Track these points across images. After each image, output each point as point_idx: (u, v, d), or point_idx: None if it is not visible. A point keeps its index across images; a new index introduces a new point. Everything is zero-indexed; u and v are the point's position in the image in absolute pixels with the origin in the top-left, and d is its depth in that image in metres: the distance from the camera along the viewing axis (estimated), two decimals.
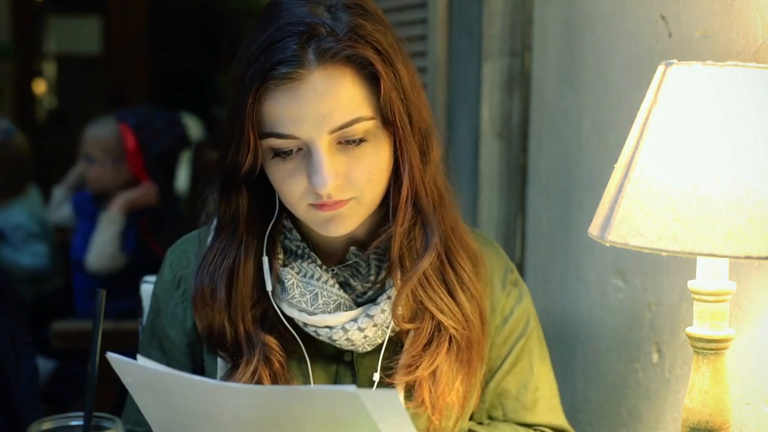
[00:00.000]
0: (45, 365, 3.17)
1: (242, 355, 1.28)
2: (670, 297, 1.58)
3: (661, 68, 1.24)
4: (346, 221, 1.25)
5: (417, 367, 1.28)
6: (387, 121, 1.22)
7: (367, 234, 1.33)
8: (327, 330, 1.28)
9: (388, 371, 1.30)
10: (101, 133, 3.28)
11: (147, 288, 1.55)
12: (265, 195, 1.30)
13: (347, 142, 1.20)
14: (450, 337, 1.30)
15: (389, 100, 1.21)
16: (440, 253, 1.31)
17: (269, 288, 1.29)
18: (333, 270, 1.32)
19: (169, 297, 1.38)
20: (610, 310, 1.76)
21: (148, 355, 1.38)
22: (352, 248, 1.32)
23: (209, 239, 1.35)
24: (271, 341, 1.29)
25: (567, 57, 1.89)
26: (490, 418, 1.41)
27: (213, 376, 1.33)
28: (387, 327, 1.29)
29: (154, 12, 6.75)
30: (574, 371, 1.87)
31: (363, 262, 1.31)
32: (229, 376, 1.29)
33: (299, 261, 1.32)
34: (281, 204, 1.30)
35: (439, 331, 1.30)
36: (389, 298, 1.29)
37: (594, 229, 1.25)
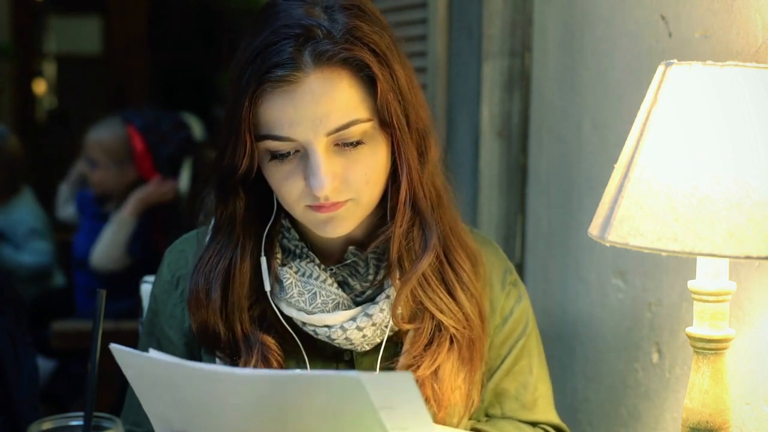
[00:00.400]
0: (45, 365, 3.17)
1: (240, 355, 1.28)
2: (670, 297, 1.58)
3: (661, 68, 1.24)
4: (343, 222, 1.25)
5: (419, 367, 1.28)
6: (384, 122, 1.22)
7: (365, 234, 1.33)
8: (325, 329, 1.28)
9: (387, 371, 1.30)
10: (104, 136, 3.27)
11: (147, 288, 1.55)
12: (262, 196, 1.31)
13: (344, 144, 1.21)
14: (451, 337, 1.31)
15: (386, 101, 1.21)
16: (439, 253, 1.31)
17: (268, 288, 1.29)
18: (331, 269, 1.32)
19: (168, 297, 1.38)
20: (610, 310, 1.76)
21: None
22: (351, 248, 1.32)
23: (207, 239, 1.35)
24: (270, 341, 1.29)
25: (567, 57, 1.89)
26: (487, 415, 1.41)
27: None
28: (386, 326, 1.29)
29: (154, 12, 6.75)
30: (574, 371, 1.87)
31: (361, 262, 1.31)
32: None
33: (298, 260, 1.32)
34: (279, 204, 1.30)
35: (440, 330, 1.31)
36: (388, 297, 1.29)
37: (594, 229, 1.25)
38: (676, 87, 1.19)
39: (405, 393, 0.98)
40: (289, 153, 1.21)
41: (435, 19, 2.35)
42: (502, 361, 1.39)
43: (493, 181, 2.14)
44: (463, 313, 1.31)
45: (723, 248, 1.11)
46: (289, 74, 1.17)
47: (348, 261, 1.32)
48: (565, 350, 1.90)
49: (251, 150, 1.21)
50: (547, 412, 1.43)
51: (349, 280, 1.31)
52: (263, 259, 1.30)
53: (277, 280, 1.30)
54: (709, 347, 1.24)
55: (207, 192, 1.35)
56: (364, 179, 1.22)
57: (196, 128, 4.78)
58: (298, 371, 1.12)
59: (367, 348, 1.30)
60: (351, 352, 1.32)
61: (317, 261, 1.32)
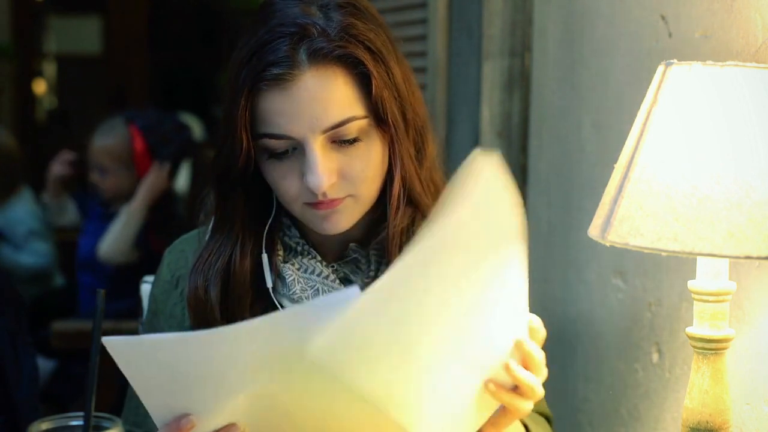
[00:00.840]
0: (45, 365, 3.16)
1: None
2: (670, 297, 1.58)
3: (661, 68, 1.24)
4: (342, 219, 1.25)
5: None
6: (380, 119, 1.23)
7: (365, 231, 1.33)
8: None
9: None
10: (110, 142, 3.25)
11: (147, 288, 1.55)
12: (261, 194, 1.31)
13: (341, 141, 1.21)
14: None
15: (381, 98, 1.21)
16: None
17: (270, 284, 1.29)
18: (333, 266, 1.32)
19: (167, 297, 1.38)
20: (610, 310, 1.76)
21: None
22: (352, 244, 1.32)
23: (207, 238, 1.35)
24: None
25: (567, 57, 1.89)
26: None
27: None
28: None
29: (154, 12, 6.75)
30: (575, 371, 1.87)
31: (363, 258, 1.31)
32: None
33: (299, 257, 1.32)
34: (279, 202, 1.30)
35: None
36: None
37: (594, 229, 1.25)
38: (676, 87, 1.19)
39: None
40: (286, 151, 1.22)
41: (435, 19, 2.35)
42: None
43: None
44: None
45: (723, 248, 1.11)
46: (284, 72, 1.17)
47: (349, 257, 1.32)
48: (566, 350, 1.90)
49: (248, 148, 1.21)
50: (541, 403, 1.44)
51: (351, 276, 1.32)
52: (264, 256, 1.30)
53: (279, 276, 1.30)
54: (709, 347, 1.24)
55: (207, 192, 1.36)
56: (361, 176, 1.23)
57: (196, 128, 4.77)
58: (295, 307, 1.06)
59: None
60: None
61: (318, 257, 1.32)
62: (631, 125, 1.26)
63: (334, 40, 1.18)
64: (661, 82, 1.22)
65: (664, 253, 1.15)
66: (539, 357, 1.10)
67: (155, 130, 3.25)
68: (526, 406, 1.11)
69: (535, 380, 1.10)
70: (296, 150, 1.22)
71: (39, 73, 6.79)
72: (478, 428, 1.15)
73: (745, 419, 1.42)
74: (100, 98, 6.41)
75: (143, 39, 6.61)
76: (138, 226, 3.15)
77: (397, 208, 1.27)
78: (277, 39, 1.18)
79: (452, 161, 2.31)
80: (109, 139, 3.25)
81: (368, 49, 1.20)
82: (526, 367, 1.10)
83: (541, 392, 1.11)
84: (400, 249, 1.28)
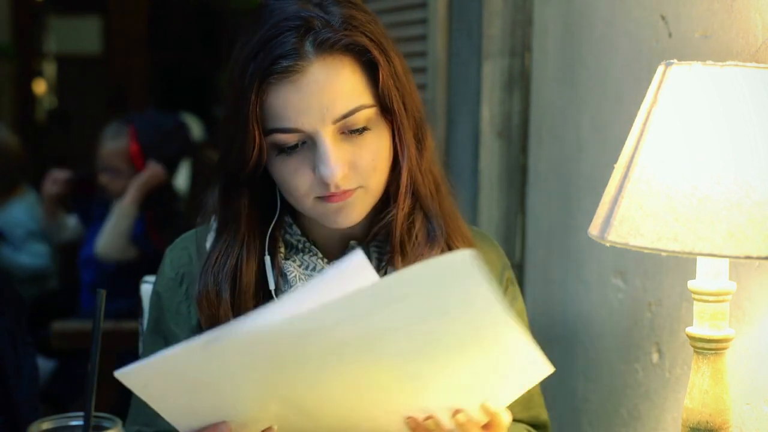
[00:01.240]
0: (45, 365, 3.16)
1: None
2: (670, 297, 1.58)
3: (661, 68, 1.24)
4: (354, 211, 1.26)
5: None
6: (385, 108, 1.24)
7: (365, 229, 1.33)
8: None
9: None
10: (119, 145, 3.27)
11: (147, 288, 1.55)
12: (264, 194, 1.31)
13: (350, 131, 1.22)
14: None
15: (387, 87, 1.23)
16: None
17: (272, 286, 1.30)
18: (334, 263, 1.32)
19: (173, 294, 1.38)
20: (610, 310, 1.76)
21: None
22: (352, 242, 1.33)
23: (209, 239, 1.35)
24: None
25: (567, 57, 1.89)
26: None
27: None
28: None
29: (154, 12, 6.75)
30: (574, 371, 1.87)
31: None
32: None
33: (301, 255, 1.33)
34: (282, 201, 1.31)
35: None
36: None
37: (594, 229, 1.25)
38: (676, 87, 1.19)
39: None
40: (296, 146, 1.22)
41: (435, 19, 2.35)
42: None
43: (493, 181, 2.14)
44: None
45: (723, 248, 1.11)
46: (293, 64, 1.18)
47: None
48: (566, 350, 1.90)
49: (260, 144, 1.22)
50: (540, 407, 1.44)
51: None
52: (267, 258, 1.30)
53: (281, 274, 1.31)
54: (709, 347, 1.24)
55: (207, 193, 1.36)
56: (371, 165, 1.24)
57: (196, 128, 4.77)
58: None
59: None
60: None
61: (320, 255, 1.32)
62: (631, 125, 1.26)
63: (338, 30, 1.20)
64: (661, 82, 1.22)
65: (664, 253, 1.15)
66: None
67: (150, 131, 3.26)
68: None
69: None
70: (306, 144, 1.22)
71: (39, 73, 6.79)
72: None
73: (745, 419, 1.42)
74: (100, 98, 6.41)
75: (143, 39, 6.61)
76: (130, 223, 3.15)
77: (404, 196, 1.29)
78: (283, 33, 1.19)
79: (452, 161, 2.32)
80: (117, 142, 3.27)
81: (371, 39, 1.22)
82: None
83: None
84: (402, 238, 1.29)
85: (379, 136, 1.24)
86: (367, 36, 1.22)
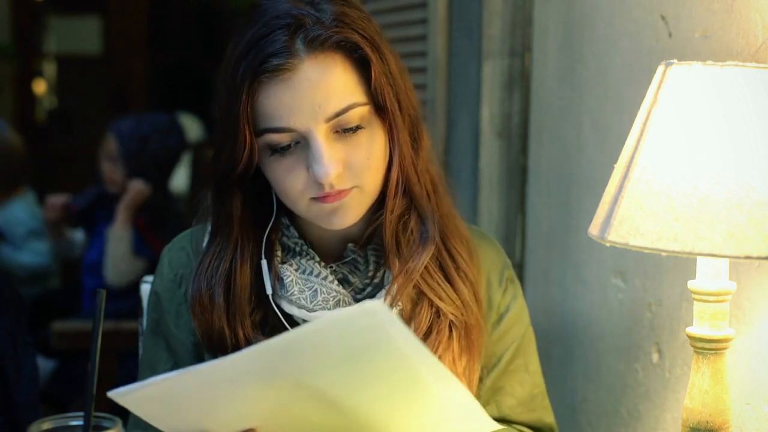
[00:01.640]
0: (45, 365, 3.16)
1: None
2: (670, 297, 1.58)
3: (661, 68, 1.24)
4: (350, 212, 1.25)
5: None
6: (379, 106, 1.23)
7: (363, 231, 1.33)
8: None
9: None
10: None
11: (147, 288, 1.55)
12: (258, 197, 1.30)
13: (344, 130, 1.21)
14: (450, 325, 1.30)
15: (380, 84, 1.22)
16: (437, 240, 1.31)
17: (269, 291, 1.29)
18: (331, 267, 1.32)
19: (172, 295, 1.38)
20: (610, 310, 1.76)
21: (154, 357, 1.38)
22: (350, 245, 1.32)
23: (205, 241, 1.35)
24: None
25: (567, 57, 1.89)
26: None
27: None
28: None
29: (154, 12, 6.74)
30: (574, 371, 1.87)
31: (361, 258, 1.31)
32: None
33: (298, 258, 1.32)
34: (278, 203, 1.30)
35: (438, 317, 1.30)
36: (389, 293, 1.29)
37: (594, 229, 1.25)
38: (676, 87, 1.19)
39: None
40: (289, 145, 1.21)
41: (435, 19, 2.35)
42: (499, 360, 1.39)
43: (493, 181, 2.14)
44: (462, 300, 1.31)
45: (723, 248, 1.11)
46: (284, 62, 1.17)
47: (348, 258, 1.32)
48: (565, 350, 1.90)
49: (251, 144, 1.21)
50: (544, 409, 1.43)
51: (350, 277, 1.31)
52: (264, 262, 1.30)
53: (277, 277, 1.30)
54: (709, 347, 1.24)
55: (204, 193, 1.35)
56: (366, 164, 1.22)
57: (195, 128, 4.77)
58: (299, 329, 1.07)
59: None
60: None
61: (317, 258, 1.32)
62: (631, 125, 1.26)
63: (329, 28, 1.19)
64: (661, 82, 1.22)
65: (664, 253, 1.15)
66: None
67: (133, 135, 3.27)
68: None
69: None
70: (299, 144, 1.21)
71: (39, 73, 6.78)
72: None
73: (745, 419, 1.42)
74: (100, 98, 6.41)
75: (143, 39, 6.61)
76: (126, 243, 3.16)
77: (395, 194, 1.27)
78: (274, 31, 1.19)
79: (452, 161, 2.32)
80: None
81: (363, 36, 1.21)
82: None
83: None
84: (396, 237, 1.29)
85: (373, 134, 1.23)
86: (358, 33, 1.21)
